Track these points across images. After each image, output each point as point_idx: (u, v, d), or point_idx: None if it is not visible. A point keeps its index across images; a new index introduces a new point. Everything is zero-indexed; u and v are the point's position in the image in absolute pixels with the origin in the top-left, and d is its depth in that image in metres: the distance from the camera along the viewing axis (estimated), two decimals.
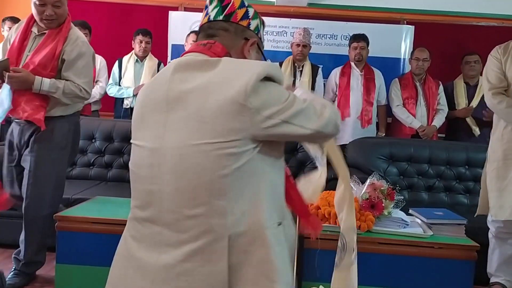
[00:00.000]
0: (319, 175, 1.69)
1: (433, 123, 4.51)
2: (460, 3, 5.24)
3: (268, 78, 1.21)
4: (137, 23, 5.02)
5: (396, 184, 3.07)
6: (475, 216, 3.07)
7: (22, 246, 2.76)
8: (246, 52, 1.35)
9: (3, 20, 4.48)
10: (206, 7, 1.38)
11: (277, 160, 1.29)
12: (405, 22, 5.30)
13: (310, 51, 4.66)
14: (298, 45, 4.54)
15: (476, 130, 4.51)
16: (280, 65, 4.65)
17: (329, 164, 1.64)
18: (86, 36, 4.48)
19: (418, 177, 3.85)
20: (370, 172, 2.83)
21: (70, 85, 2.70)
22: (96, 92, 4.60)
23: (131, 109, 4.65)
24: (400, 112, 4.53)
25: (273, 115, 1.19)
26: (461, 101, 4.58)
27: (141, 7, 5.32)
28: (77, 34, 2.84)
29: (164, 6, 5.28)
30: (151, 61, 4.71)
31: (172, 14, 5.19)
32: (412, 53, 4.66)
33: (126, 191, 3.32)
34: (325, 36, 5.19)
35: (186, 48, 4.59)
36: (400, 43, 5.18)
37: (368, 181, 2.40)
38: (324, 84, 4.74)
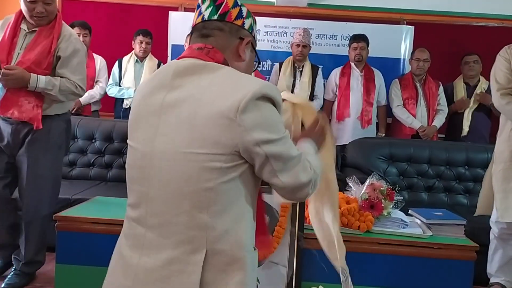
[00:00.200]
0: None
1: (433, 124, 4.51)
2: (460, 4, 5.24)
3: (265, 99, 1.18)
4: (137, 23, 5.02)
5: (395, 184, 3.07)
6: (474, 215, 3.07)
7: (22, 246, 2.76)
8: (241, 52, 1.34)
9: None
10: (199, 6, 1.37)
11: (259, 180, 1.27)
12: (405, 22, 5.30)
13: (310, 52, 4.66)
14: (298, 45, 4.55)
15: (465, 130, 4.51)
16: (280, 65, 4.66)
17: None
18: (86, 36, 4.51)
19: (418, 178, 3.85)
20: (370, 172, 2.84)
21: (65, 82, 2.68)
22: (96, 92, 4.60)
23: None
24: (400, 113, 4.53)
25: (260, 142, 1.16)
26: (466, 111, 4.58)
27: (141, 7, 5.32)
28: (70, 31, 2.82)
29: (164, 7, 5.28)
30: (151, 62, 4.71)
31: (172, 15, 5.19)
32: (412, 53, 4.66)
33: (126, 191, 3.33)
34: (325, 36, 5.19)
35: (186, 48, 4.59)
36: (400, 43, 5.18)
37: (367, 181, 2.40)
38: (324, 84, 4.74)
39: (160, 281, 1.19)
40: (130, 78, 4.66)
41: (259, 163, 1.19)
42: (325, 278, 2.18)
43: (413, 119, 4.48)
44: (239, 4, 1.35)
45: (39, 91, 2.62)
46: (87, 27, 4.55)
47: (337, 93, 4.62)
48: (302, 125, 1.67)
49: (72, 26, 4.50)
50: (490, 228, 2.98)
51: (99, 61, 4.67)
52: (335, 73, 4.66)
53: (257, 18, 1.46)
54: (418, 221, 2.46)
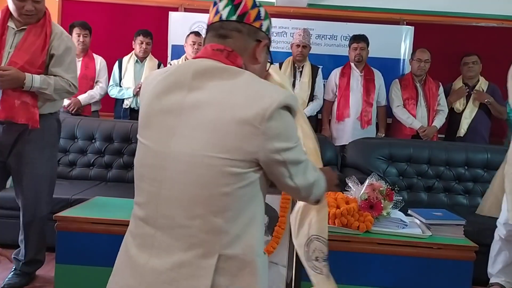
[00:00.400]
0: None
1: (433, 124, 4.51)
2: (460, 4, 5.24)
3: (286, 108, 1.19)
4: (137, 24, 5.03)
5: (395, 184, 3.08)
6: (475, 213, 3.05)
7: (22, 246, 2.76)
8: (258, 55, 1.32)
9: None
10: (215, 3, 1.33)
11: (266, 191, 1.28)
12: (404, 22, 5.30)
13: (310, 52, 4.67)
14: (298, 45, 4.55)
15: (461, 131, 4.52)
16: (280, 65, 4.66)
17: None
18: (86, 37, 4.52)
19: (418, 178, 3.86)
20: (370, 172, 2.84)
21: (60, 81, 2.66)
22: (96, 92, 4.61)
23: (131, 109, 4.65)
24: (400, 113, 4.53)
25: (281, 150, 1.18)
26: (459, 102, 4.58)
27: (141, 8, 5.33)
28: (61, 28, 2.78)
29: (164, 7, 5.29)
30: (151, 62, 4.72)
31: (172, 15, 5.19)
32: (413, 54, 4.65)
33: (126, 192, 3.35)
34: (325, 36, 5.19)
35: (186, 49, 4.60)
36: (399, 43, 5.19)
37: (367, 181, 2.40)
38: (324, 84, 4.75)
39: (168, 283, 1.17)
40: (130, 79, 4.67)
41: (276, 168, 1.21)
42: None
43: (413, 119, 4.48)
44: (258, 5, 1.33)
45: (33, 90, 2.59)
46: (88, 28, 4.55)
47: (337, 94, 4.63)
48: None
49: (73, 26, 4.52)
50: (490, 228, 2.97)
51: (99, 62, 4.67)
52: (335, 74, 4.66)
53: None
54: (418, 221, 2.46)
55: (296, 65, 4.62)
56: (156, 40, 4.79)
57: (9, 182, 2.89)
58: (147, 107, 1.27)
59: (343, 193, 2.45)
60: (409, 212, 2.57)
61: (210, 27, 1.33)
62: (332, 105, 4.69)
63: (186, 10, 5.32)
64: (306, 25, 4.93)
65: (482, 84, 4.60)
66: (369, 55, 4.62)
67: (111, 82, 4.72)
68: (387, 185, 2.44)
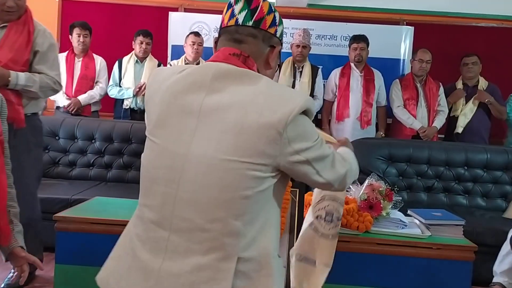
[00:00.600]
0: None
1: (433, 124, 4.51)
2: (460, 4, 5.24)
3: (305, 111, 1.20)
4: (137, 24, 5.03)
5: (395, 184, 3.08)
6: (502, 216, 3.03)
7: None
8: (271, 61, 1.33)
9: None
10: (231, 5, 1.31)
11: (282, 195, 1.30)
12: (404, 23, 5.30)
13: (310, 52, 4.67)
14: (297, 46, 4.55)
15: (459, 128, 4.52)
16: (280, 66, 4.65)
17: None
18: (86, 37, 4.52)
19: (417, 178, 3.86)
20: (369, 172, 2.84)
21: (44, 78, 2.61)
22: (96, 93, 4.61)
23: (131, 109, 4.65)
24: (401, 113, 4.53)
25: (301, 151, 1.19)
26: (458, 103, 4.58)
27: (141, 8, 5.33)
28: (43, 25, 2.73)
29: (164, 7, 5.29)
30: (151, 62, 4.72)
31: (172, 15, 5.20)
32: (414, 54, 4.63)
33: (126, 192, 3.35)
34: (324, 37, 5.20)
35: (186, 49, 4.60)
36: (399, 44, 5.19)
37: (366, 182, 2.40)
38: (323, 84, 4.75)
39: (189, 286, 1.17)
40: (130, 79, 4.66)
41: (300, 169, 1.21)
42: None
43: (414, 119, 4.48)
44: (273, 10, 1.33)
45: (18, 88, 2.53)
46: (88, 28, 4.55)
47: (336, 94, 4.63)
48: None
49: (73, 27, 4.53)
50: (490, 228, 2.97)
51: (99, 62, 4.68)
52: (335, 74, 4.67)
53: None
54: (417, 222, 2.46)
55: (296, 65, 4.62)
56: (156, 40, 4.80)
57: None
58: (163, 106, 1.24)
59: None
60: (409, 212, 2.57)
61: (225, 30, 1.32)
62: (332, 105, 4.69)
63: (186, 10, 5.32)
64: (306, 25, 4.94)
65: (482, 84, 4.59)
66: (369, 55, 4.62)
67: (110, 82, 4.72)
68: (387, 185, 2.44)
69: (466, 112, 4.53)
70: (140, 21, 5.16)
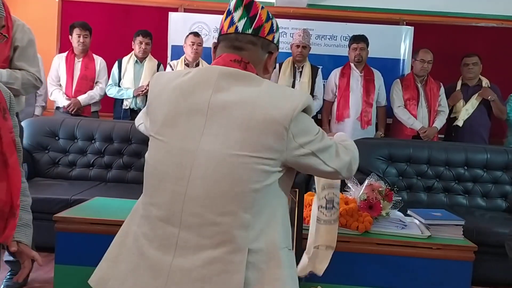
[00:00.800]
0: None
1: (434, 125, 4.51)
2: (460, 4, 5.24)
3: (305, 109, 1.26)
4: (137, 24, 5.03)
5: (395, 184, 3.08)
6: None
7: None
8: (269, 66, 1.39)
9: None
10: (230, 12, 1.35)
11: (288, 189, 1.35)
12: (404, 23, 5.30)
13: (310, 52, 4.67)
14: (297, 46, 4.55)
15: (460, 121, 4.51)
16: (280, 66, 4.66)
17: None
18: (86, 37, 4.53)
19: (417, 178, 3.86)
20: (369, 172, 2.83)
21: (26, 75, 2.55)
22: (95, 93, 4.61)
23: (131, 109, 4.65)
24: (401, 113, 4.52)
25: (305, 144, 1.25)
26: (458, 105, 4.58)
27: (141, 8, 5.33)
28: (21, 20, 2.65)
29: (164, 7, 5.29)
30: (151, 62, 4.72)
31: (172, 15, 5.20)
32: (415, 54, 4.61)
33: (126, 192, 3.35)
34: (324, 37, 5.20)
35: (185, 50, 4.60)
36: (399, 44, 5.19)
37: (366, 182, 2.40)
38: (323, 85, 4.75)
39: (201, 281, 1.19)
40: (129, 79, 4.66)
41: (306, 161, 1.27)
42: (324, 278, 2.18)
43: (414, 120, 4.48)
44: (271, 17, 1.38)
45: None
46: (88, 28, 4.56)
47: (336, 94, 4.63)
48: None
49: (73, 27, 4.53)
50: (490, 228, 2.97)
51: (99, 62, 4.68)
52: (335, 74, 4.67)
53: None
54: (417, 222, 2.46)
55: (296, 65, 4.62)
56: (156, 40, 4.80)
57: None
58: (171, 106, 1.28)
59: (342, 193, 2.45)
60: (408, 212, 2.57)
61: (224, 37, 1.36)
62: (331, 105, 4.69)
63: (185, 10, 5.32)
64: (306, 26, 4.94)
65: (484, 82, 4.59)
66: (368, 55, 4.62)
67: (109, 82, 4.72)
68: (387, 186, 2.44)
69: (468, 107, 4.52)
70: (140, 21, 5.16)
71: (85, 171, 3.94)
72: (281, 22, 5.50)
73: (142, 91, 4.53)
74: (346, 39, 4.93)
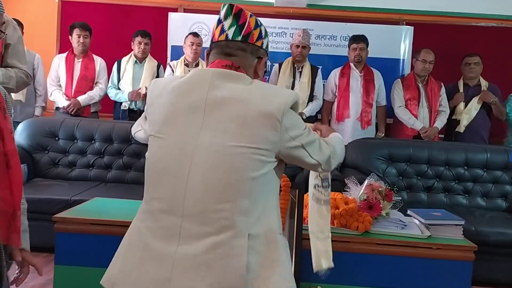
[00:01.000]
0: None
1: (435, 125, 4.51)
2: (459, 4, 5.24)
3: (293, 106, 1.37)
4: (137, 25, 5.03)
5: (395, 184, 3.07)
6: None
7: None
8: (259, 70, 1.49)
9: None
10: (220, 21, 1.45)
11: (279, 181, 1.45)
12: (404, 22, 5.30)
13: (310, 52, 4.67)
14: (297, 46, 4.55)
15: (461, 127, 4.51)
16: (280, 66, 4.67)
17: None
18: (86, 38, 4.53)
19: (417, 178, 3.86)
20: (369, 173, 2.83)
21: (19, 73, 2.52)
22: (95, 93, 4.61)
23: (130, 110, 4.65)
24: (402, 113, 4.52)
25: (296, 137, 1.37)
26: (458, 107, 4.57)
27: (140, 9, 5.33)
28: (8, 16, 2.55)
29: (163, 8, 5.29)
30: (150, 63, 4.71)
31: (171, 16, 5.20)
32: (417, 54, 4.59)
33: (125, 192, 3.35)
34: (324, 37, 5.20)
35: (185, 50, 4.60)
36: (399, 43, 5.19)
37: (366, 182, 2.40)
38: (323, 85, 4.74)
39: (205, 265, 1.26)
40: (128, 79, 4.65)
41: (296, 153, 1.39)
42: (324, 278, 2.19)
43: (415, 120, 4.47)
44: (259, 24, 1.47)
45: None
46: (88, 29, 4.56)
47: (336, 94, 4.63)
48: None
49: (73, 27, 4.53)
50: (489, 228, 2.96)
51: (99, 63, 4.68)
52: (335, 74, 4.66)
53: None
54: (417, 222, 2.46)
55: (295, 65, 4.62)
56: (155, 40, 4.79)
57: None
58: (171, 106, 1.37)
59: (342, 193, 2.45)
60: (408, 212, 2.56)
61: (216, 44, 1.46)
62: (331, 106, 4.69)
63: (185, 10, 5.32)
64: (306, 26, 4.94)
65: (483, 84, 4.59)
66: (368, 55, 4.62)
67: (109, 83, 4.71)
68: (386, 186, 2.44)
69: (469, 112, 4.52)
70: (140, 22, 5.16)
71: (85, 172, 3.94)
72: (280, 22, 5.58)
73: (137, 93, 4.52)
74: (346, 39, 4.93)
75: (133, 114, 4.62)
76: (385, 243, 2.26)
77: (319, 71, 4.70)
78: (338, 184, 3.30)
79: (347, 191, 2.46)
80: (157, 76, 4.66)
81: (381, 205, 2.32)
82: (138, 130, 1.67)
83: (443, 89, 4.57)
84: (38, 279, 2.86)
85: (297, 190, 2.10)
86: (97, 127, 4.00)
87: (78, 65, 4.58)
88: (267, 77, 4.83)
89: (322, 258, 1.88)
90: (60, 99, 4.55)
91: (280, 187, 2.08)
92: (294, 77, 4.60)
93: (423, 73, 4.52)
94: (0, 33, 1.83)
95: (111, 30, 5.26)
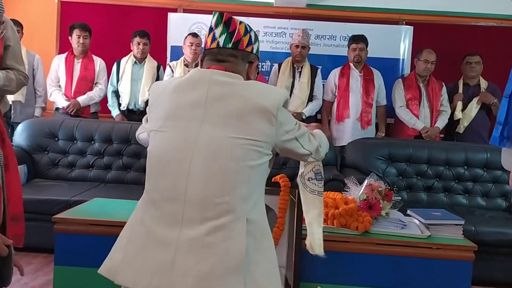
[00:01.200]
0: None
1: (436, 125, 4.50)
2: (459, 4, 5.24)
3: (284, 103, 1.49)
4: (137, 25, 5.02)
5: (395, 184, 3.08)
6: None
7: None
8: (251, 74, 1.59)
9: None
10: (212, 29, 1.54)
11: (268, 173, 1.53)
12: (403, 22, 5.30)
13: (309, 52, 4.66)
14: (297, 46, 4.55)
15: (461, 128, 4.51)
16: (279, 66, 4.66)
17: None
18: (86, 38, 4.53)
19: (417, 178, 3.86)
20: (369, 172, 2.83)
21: (18, 75, 2.52)
22: (95, 94, 4.61)
23: (129, 110, 4.65)
24: (403, 113, 4.51)
25: (289, 131, 1.49)
26: (457, 106, 4.57)
27: (140, 9, 5.33)
28: (6, 16, 2.66)
29: (163, 8, 5.29)
30: (150, 63, 4.71)
31: (171, 16, 5.20)
32: (419, 54, 4.57)
33: (125, 193, 3.35)
34: (324, 37, 5.19)
35: (184, 50, 4.60)
36: (399, 43, 5.19)
37: (365, 182, 2.40)
38: (323, 85, 4.74)
39: (207, 247, 1.33)
40: (127, 80, 4.64)
41: (290, 145, 1.51)
42: (323, 278, 2.19)
43: (416, 120, 4.47)
44: (249, 30, 1.56)
45: None
46: (88, 29, 4.56)
47: (336, 94, 4.62)
48: None
49: (72, 28, 4.53)
50: (489, 228, 2.96)
51: (99, 63, 4.68)
52: (334, 74, 4.66)
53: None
54: (417, 222, 2.46)
55: (295, 65, 4.62)
56: (155, 41, 4.79)
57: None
58: (173, 103, 1.46)
59: (342, 193, 2.45)
60: (408, 212, 2.56)
61: (208, 51, 1.56)
62: (331, 106, 4.69)
63: (185, 11, 5.32)
64: (305, 26, 4.94)
65: (482, 84, 4.59)
66: (368, 55, 4.62)
67: (108, 85, 4.71)
68: (386, 185, 2.44)
69: (469, 113, 4.52)
70: (139, 22, 5.16)
71: (85, 172, 3.94)
72: (280, 22, 5.58)
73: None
74: (346, 39, 4.92)
75: (132, 115, 4.62)
76: (385, 243, 2.26)
77: (319, 71, 4.69)
78: (338, 184, 3.31)
79: (347, 191, 2.46)
80: (157, 77, 4.66)
81: (381, 205, 2.32)
82: (141, 132, 1.72)
83: (444, 89, 4.57)
84: (38, 279, 2.86)
85: (296, 190, 2.09)
86: (96, 127, 4.00)
87: (77, 65, 4.58)
88: (267, 77, 4.83)
89: (314, 245, 1.90)
90: (59, 100, 4.55)
91: (280, 187, 2.09)
92: (293, 77, 4.60)
93: (425, 73, 4.51)
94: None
95: (111, 30, 5.25)
